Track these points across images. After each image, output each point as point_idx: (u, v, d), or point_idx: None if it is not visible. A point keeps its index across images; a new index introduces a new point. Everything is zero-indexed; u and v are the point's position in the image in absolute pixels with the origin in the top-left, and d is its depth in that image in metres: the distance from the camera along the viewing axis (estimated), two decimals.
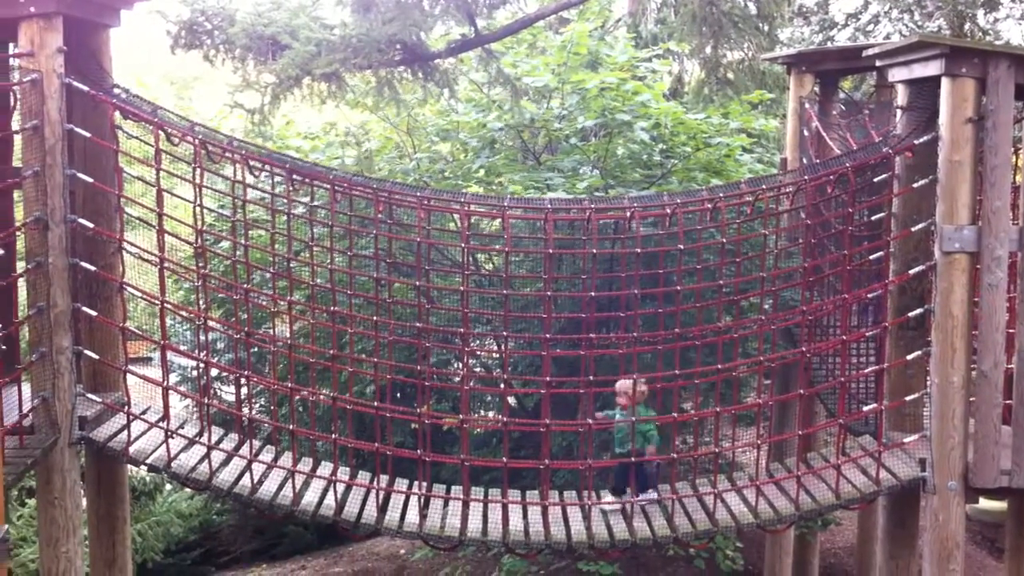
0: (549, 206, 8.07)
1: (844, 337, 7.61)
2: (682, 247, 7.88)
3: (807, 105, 10.09)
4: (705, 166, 12.12)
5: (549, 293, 7.79)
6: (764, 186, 8.17)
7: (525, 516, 7.45)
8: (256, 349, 8.35)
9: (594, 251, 7.99)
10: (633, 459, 7.63)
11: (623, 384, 7.82)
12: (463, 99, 13.09)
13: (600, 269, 8.65)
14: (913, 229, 7.30)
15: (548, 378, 7.54)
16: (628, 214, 8.01)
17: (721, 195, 7.95)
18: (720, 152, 12.10)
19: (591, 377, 7.66)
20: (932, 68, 7.00)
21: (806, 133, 9.97)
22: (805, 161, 9.80)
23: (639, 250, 7.93)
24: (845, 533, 13.28)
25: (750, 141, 13.04)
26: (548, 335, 7.66)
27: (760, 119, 13.69)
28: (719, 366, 7.68)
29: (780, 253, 8.80)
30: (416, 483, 7.57)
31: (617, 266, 8.78)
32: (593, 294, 7.87)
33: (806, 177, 7.98)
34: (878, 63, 8.05)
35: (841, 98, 11.40)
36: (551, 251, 7.89)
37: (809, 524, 10.80)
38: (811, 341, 8.35)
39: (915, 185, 7.25)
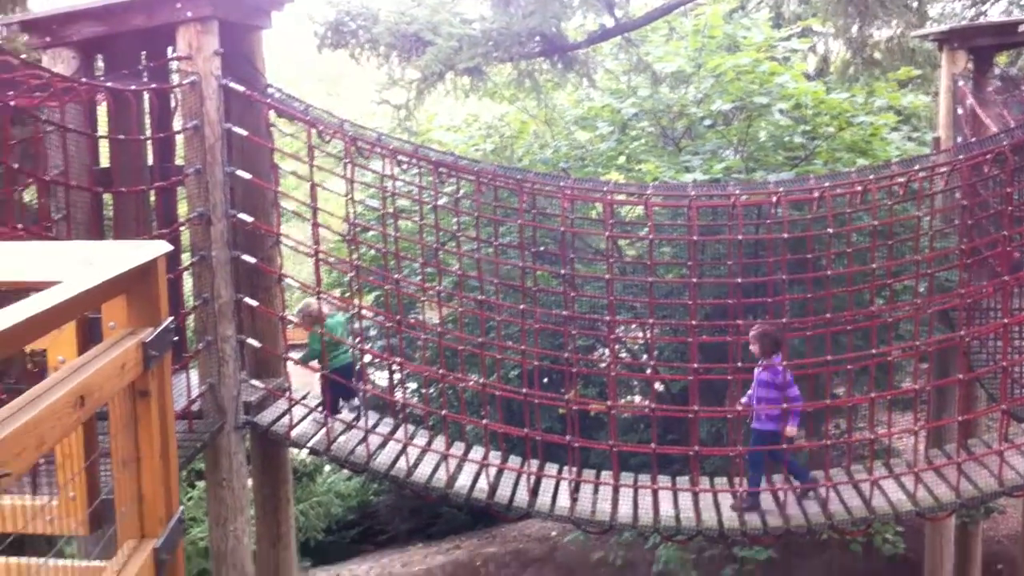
0: (692, 192, 8.00)
1: (1005, 320, 7.33)
2: (831, 231, 7.72)
3: (960, 82, 9.72)
4: (850, 146, 11.83)
5: (695, 280, 7.74)
6: (917, 167, 7.93)
7: (676, 502, 7.44)
8: (406, 335, 8.56)
9: (740, 237, 7.89)
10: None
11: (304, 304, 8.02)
12: (601, 87, 13.08)
13: (745, 254, 8.54)
14: None
15: (695, 365, 7.49)
16: (774, 199, 7.89)
17: (872, 177, 7.75)
18: (866, 132, 11.78)
19: (739, 364, 7.57)
20: None
21: (960, 111, 9.61)
22: (960, 140, 9.46)
23: (786, 235, 7.81)
24: (1009, 521, 12.77)
25: (897, 119, 12.64)
26: (694, 322, 7.61)
27: (908, 96, 13.27)
28: (873, 351, 7.50)
29: (935, 235, 8.53)
30: (565, 467, 7.63)
31: (762, 251, 8.66)
32: (740, 280, 7.78)
33: (961, 157, 7.71)
34: None
35: (996, 74, 10.94)
36: (695, 238, 7.82)
37: (971, 512, 10.44)
38: (970, 324, 8.07)
39: None
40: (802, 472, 7.60)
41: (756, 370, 7.51)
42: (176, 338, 7.14)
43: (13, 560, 3.32)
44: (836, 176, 8.79)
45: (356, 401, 7.96)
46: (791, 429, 7.36)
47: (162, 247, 3.45)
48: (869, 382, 7.55)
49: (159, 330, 3.27)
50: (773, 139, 12.10)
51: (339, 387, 7.82)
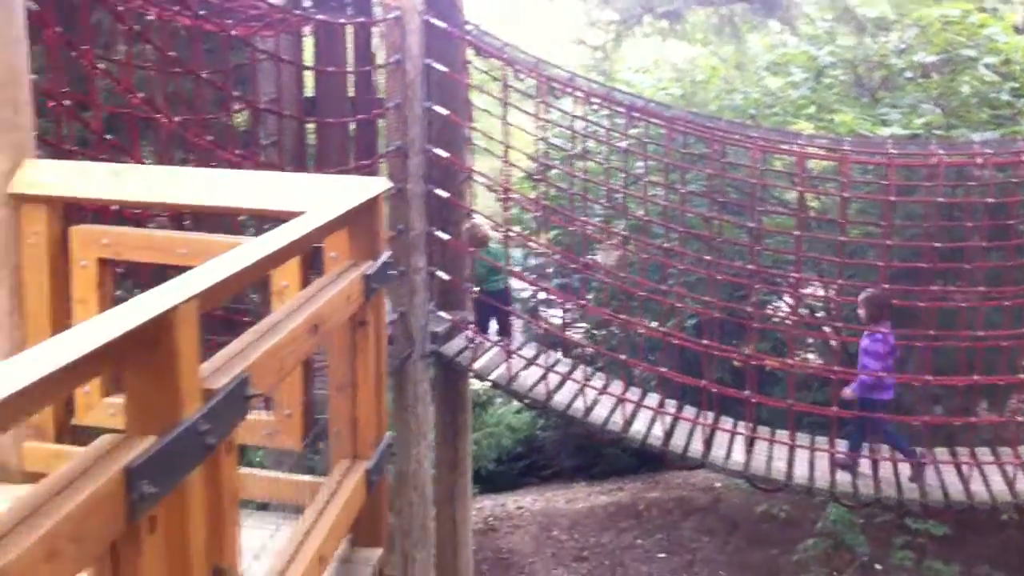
0: (892, 151, 7.72)
1: None
2: None
3: None
4: None
5: (889, 243, 7.50)
6: None
7: (854, 468, 7.29)
8: (582, 276, 8.62)
9: (939, 199, 7.60)
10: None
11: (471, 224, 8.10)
12: (801, 35, 12.70)
13: (940, 216, 8.22)
14: None
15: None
16: (979, 160, 7.55)
17: None
18: None
19: (931, 332, 7.28)
20: None
21: None
22: None
23: (990, 199, 7.47)
24: None
25: None
26: (886, 285, 7.39)
27: None
28: None
29: None
30: (740, 422, 7.59)
31: (959, 213, 8.31)
32: (938, 245, 7.49)
33: None
34: None
35: None
36: (892, 198, 7.55)
37: None
38: None
39: None
40: (903, 444, 7.31)
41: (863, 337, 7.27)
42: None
43: (244, 470, 3.59)
44: None
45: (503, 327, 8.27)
46: (847, 391, 7.21)
47: (383, 184, 3.60)
48: None
49: (379, 263, 3.43)
50: (977, 95, 11.51)
51: (491, 309, 8.08)
